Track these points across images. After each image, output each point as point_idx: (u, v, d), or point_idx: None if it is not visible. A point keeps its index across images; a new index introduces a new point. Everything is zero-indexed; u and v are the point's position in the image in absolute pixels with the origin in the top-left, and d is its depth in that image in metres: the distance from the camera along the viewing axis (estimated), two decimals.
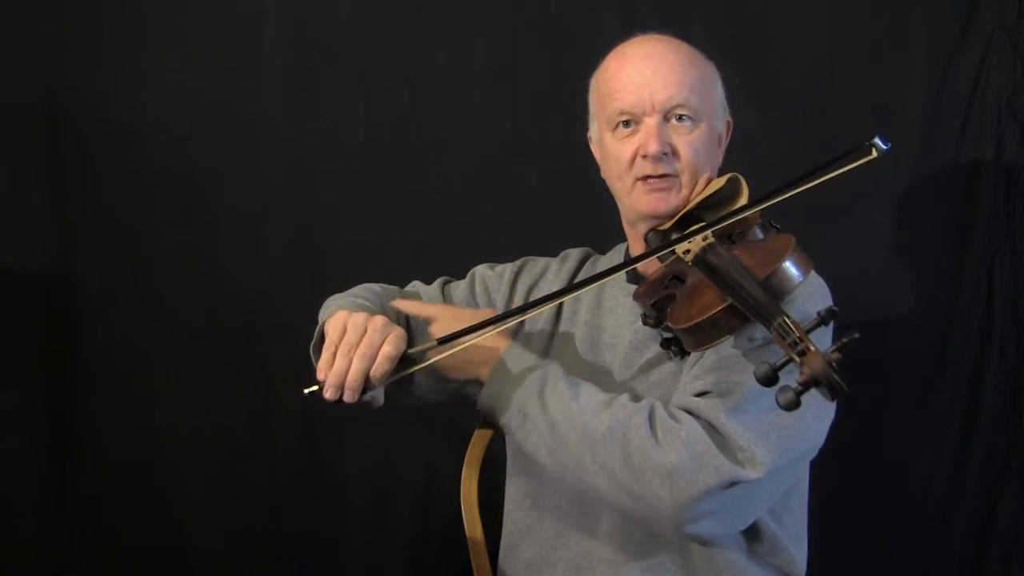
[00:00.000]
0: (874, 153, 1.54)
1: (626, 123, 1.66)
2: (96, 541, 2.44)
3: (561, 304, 1.79)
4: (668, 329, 1.55)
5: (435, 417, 2.30)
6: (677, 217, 1.66)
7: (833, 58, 2.27)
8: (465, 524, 1.89)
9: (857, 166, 1.53)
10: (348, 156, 2.41)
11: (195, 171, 2.41)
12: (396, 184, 2.41)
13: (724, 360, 1.52)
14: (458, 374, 1.63)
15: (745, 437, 1.46)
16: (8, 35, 2.40)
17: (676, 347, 1.59)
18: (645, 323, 1.60)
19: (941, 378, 2.25)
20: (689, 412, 1.50)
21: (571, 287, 1.66)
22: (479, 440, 1.91)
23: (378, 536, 2.43)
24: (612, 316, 1.74)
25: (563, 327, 1.78)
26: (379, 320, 1.53)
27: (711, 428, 1.48)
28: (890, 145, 1.54)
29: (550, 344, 1.77)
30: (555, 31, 2.34)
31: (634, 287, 1.68)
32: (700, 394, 1.52)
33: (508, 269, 1.86)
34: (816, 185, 1.53)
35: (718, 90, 1.73)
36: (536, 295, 1.82)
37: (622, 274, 1.73)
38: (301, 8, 2.40)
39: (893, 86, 2.25)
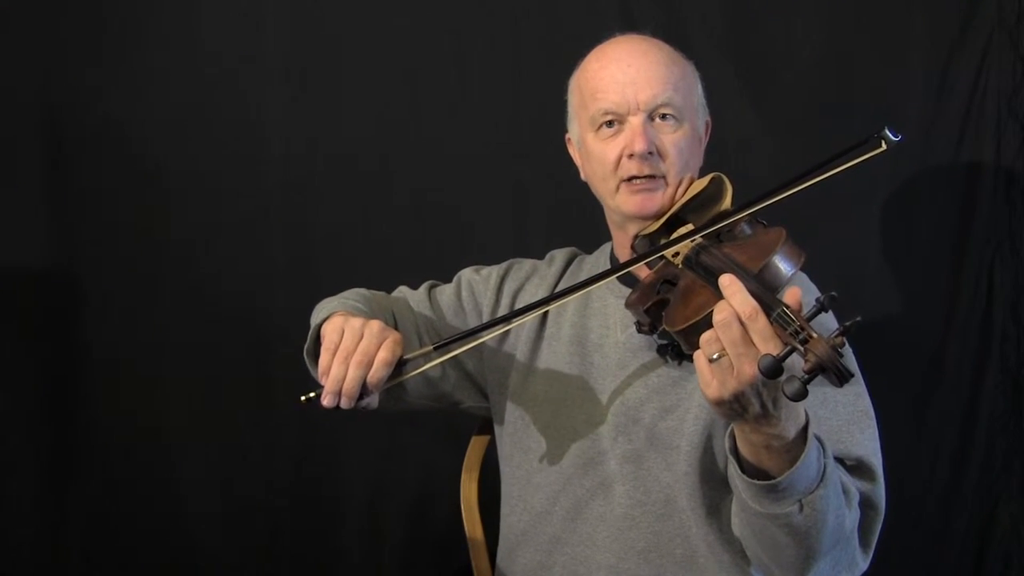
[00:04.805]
0: (883, 146, 1.50)
1: (610, 123, 1.65)
2: (96, 542, 2.44)
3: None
4: (664, 335, 1.53)
5: (433, 418, 2.30)
6: (663, 219, 1.64)
7: (833, 58, 2.27)
8: (465, 525, 1.89)
9: (867, 159, 1.49)
10: (348, 156, 2.41)
11: (195, 171, 2.41)
12: (396, 184, 2.40)
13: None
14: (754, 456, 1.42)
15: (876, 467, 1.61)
16: (8, 35, 2.40)
17: (673, 353, 1.58)
18: (640, 331, 1.57)
19: (941, 378, 2.25)
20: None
21: (555, 295, 1.65)
22: (477, 446, 1.92)
23: (377, 537, 2.43)
24: (599, 317, 1.73)
25: (549, 328, 1.76)
26: (376, 325, 1.52)
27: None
28: (901, 136, 1.50)
29: (537, 346, 1.76)
30: (555, 31, 2.34)
31: (623, 287, 1.68)
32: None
33: (494, 272, 1.85)
34: (822, 180, 1.50)
35: (698, 89, 1.72)
36: (522, 299, 1.80)
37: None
38: (301, 7, 2.40)
39: (893, 86, 2.25)
